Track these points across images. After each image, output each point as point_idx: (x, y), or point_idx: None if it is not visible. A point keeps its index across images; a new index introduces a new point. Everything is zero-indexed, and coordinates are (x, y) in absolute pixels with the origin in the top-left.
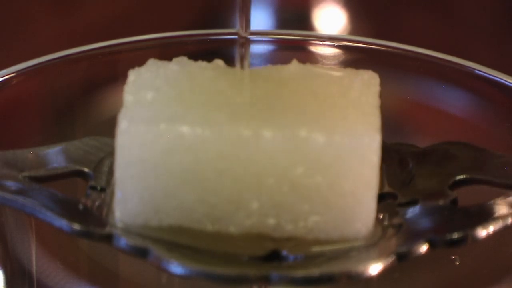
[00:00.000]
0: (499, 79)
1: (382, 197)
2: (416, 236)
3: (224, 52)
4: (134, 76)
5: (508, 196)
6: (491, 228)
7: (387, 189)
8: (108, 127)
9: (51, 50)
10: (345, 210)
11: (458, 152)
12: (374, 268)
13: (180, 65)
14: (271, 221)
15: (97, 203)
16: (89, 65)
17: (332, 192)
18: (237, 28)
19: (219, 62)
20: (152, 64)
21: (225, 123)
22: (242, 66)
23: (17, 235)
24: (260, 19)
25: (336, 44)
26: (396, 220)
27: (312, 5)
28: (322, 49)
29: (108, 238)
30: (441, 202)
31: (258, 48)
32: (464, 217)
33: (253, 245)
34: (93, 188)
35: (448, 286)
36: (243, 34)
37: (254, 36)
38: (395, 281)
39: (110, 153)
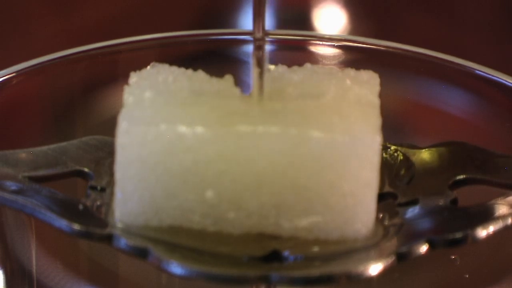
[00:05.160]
0: (499, 79)
1: (382, 197)
2: (416, 236)
3: (224, 52)
4: (135, 77)
5: (508, 196)
6: (491, 228)
7: (387, 189)
8: (108, 127)
9: (51, 50)
10: (345, 210)
11: (458, 152)
12: (374, 268)
13: (181, 69)
14: (271, 221)
15: (97, 203)
16: (89, 65)
17: (332, 192)
18: (252, 30)
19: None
20: (154, 67)
21: (225, 124)
22: (260, 70)
23: (17, 235)
24: None
25: (336, 44)
26: (396, 220)
27: (312, 5)
28: (322, 49)
29: (108, 239)
30: (441, 202)
31: None
32: (464, 217)
33: (253, 245)
34: (93, 188)
35: (448, 286)
36: (258, 36)
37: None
38: (395, 281)
39: (110, 153)
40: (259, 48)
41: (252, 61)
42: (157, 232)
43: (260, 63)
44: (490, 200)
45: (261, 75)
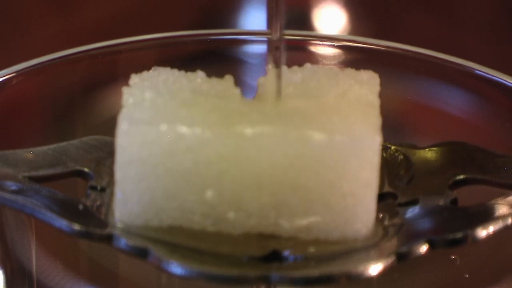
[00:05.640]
0: (499, 79)
1: (382, 197)
2: (416, 236)
3: (224, 52)
4: (135, 79)
5: (508, 196)
6: (491, 228)
7: (387, 189)
8: (108, 127)
9: (51, 50)
10: (345, 210)
11: (458, 152)
12: (374, 268)
13: (182, 71)
14: (271, 221)
15: (97, 203)
16: (89, 65)
17: (332, 192)
18: (269, 31)
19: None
20: (155, 70)
21: (225, 124)
22: (278, 71)
23: (17, 235)
24: (260, 19)
25: (336, 44)
26: (396, 220)
27: (312, 5)
28: (322, 49)
29: (108, 239)
30: (441, 202)
31: (258, 48)
32: (464, 217)
33: (253, 245)
34: (93, 188)
35: (448, 286)
36: (275, 37)
37: (254, 36)
38: (395, 281)
39: (110, 153)
40: (276, 49)
41: (269, 63)
42: (157, 232)
43: (277, 64)
44: (490, 200)
45: (279, 76)
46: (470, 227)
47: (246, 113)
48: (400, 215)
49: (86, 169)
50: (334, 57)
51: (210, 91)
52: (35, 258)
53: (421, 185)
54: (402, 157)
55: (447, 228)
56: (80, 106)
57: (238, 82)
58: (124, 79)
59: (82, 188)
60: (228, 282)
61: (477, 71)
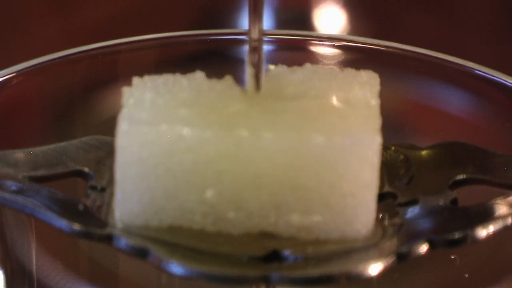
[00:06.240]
0: (499, 79)
1: (382, 197)
2: (416, 236)
3: (224, 52)
4: (137, 81)
5: (508, 196)
6: (491, 228)
7: (387, 189)
8: (108, 127)
9: (51, 50)
10: (345, 211)
11: (458, 152)
12: (374, 268)
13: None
14: (271, 221)
15: (97, 203)
16: (89, 65)
17: (332, 192)
18: (248, 30)
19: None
20: (155, 75)
21: (225, 124)
22: (256, 70)
23: (17, 235)
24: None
25: (336, 44)
26: (396, 220)
27: (312, 5)
28: (322, 49)
29: (108, 239)
30: (441, 202)
31: None
32: (464, 217)
33: (253, 245)
34: (93, 188)
35: (448, 286)
36: (255, 36)
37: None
38: (395, 281)
39: (110, 153)
40: (254, 49)
41: (247, 62)
42: (157, 232)
43: (255, 64)
44: (490, 200)
45: (257, 75)
46: (470, 227)
47: (246, 113)
48: (400, 215)
49: (86, 169)
50: (334, 57)
51: (210, 91)
52: (35, 258)
53: (421, 185)
54: (402, 157)
55: (447, 228)
56: (80, 106)
57: (238, 82)
58: (124, 79)
59: (82, 188)
60: (228, 282)
61: (477, 71)
